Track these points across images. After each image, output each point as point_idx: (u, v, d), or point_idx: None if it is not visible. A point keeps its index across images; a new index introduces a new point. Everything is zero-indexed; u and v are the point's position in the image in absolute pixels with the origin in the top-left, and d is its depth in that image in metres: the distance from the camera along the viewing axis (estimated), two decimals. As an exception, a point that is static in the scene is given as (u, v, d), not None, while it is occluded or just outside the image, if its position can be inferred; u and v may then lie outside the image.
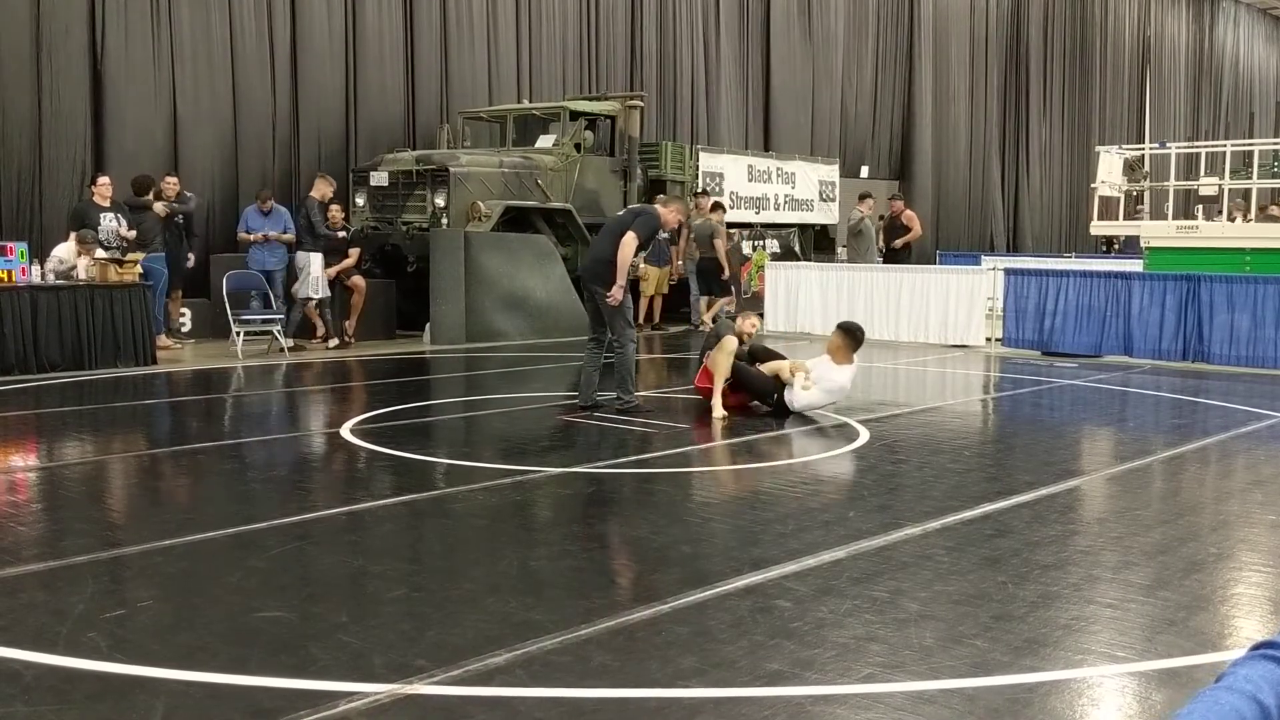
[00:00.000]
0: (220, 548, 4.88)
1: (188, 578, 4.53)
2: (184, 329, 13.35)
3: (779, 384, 8.61)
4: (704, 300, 15.45)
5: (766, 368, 8.70)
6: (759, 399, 8.76)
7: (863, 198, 17.46)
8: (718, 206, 16.15)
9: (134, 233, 12.29)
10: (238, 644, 3.72)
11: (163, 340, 12.32)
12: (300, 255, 12.99)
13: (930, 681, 3.42)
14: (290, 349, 12.48)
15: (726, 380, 8.50)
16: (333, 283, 13.49)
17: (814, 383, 8.48)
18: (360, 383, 10.73)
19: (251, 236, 13.45)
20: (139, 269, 11.33)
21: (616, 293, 8.48)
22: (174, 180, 13.04)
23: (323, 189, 13.33)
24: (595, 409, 8.61)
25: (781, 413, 8.57)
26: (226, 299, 12.31)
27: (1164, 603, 4.23)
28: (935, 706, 3.26)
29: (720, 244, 15.56)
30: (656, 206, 9.12)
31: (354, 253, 13.51)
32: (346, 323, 13.50)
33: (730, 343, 8.55)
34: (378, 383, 10.70)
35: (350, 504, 5.62)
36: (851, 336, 8.69)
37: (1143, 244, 15.31)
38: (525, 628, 3.81)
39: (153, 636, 3.80)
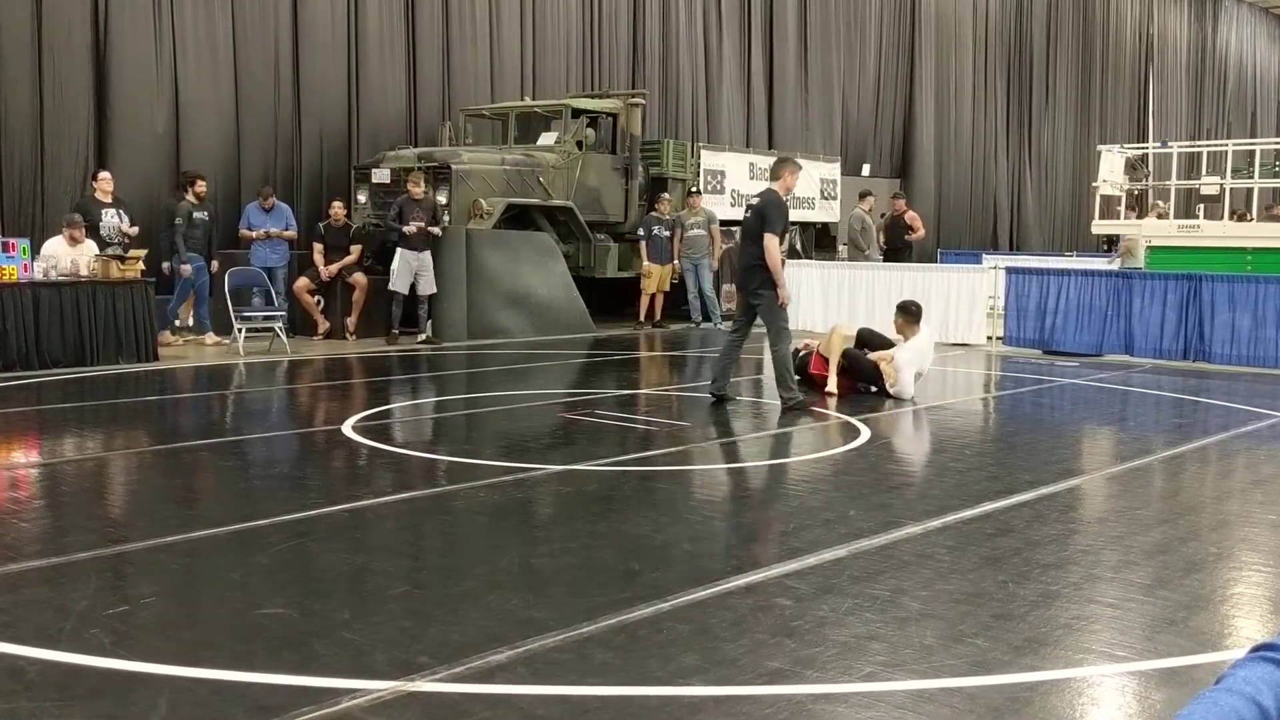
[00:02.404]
0: (222, 544, 4.89)
1: (190, 574, 4.54)
2: (180, 325, 13.33)
3: (879, 371, 9.55)
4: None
5: (874, 356, 9.62)
6: (866, 382, 9.64)
7: (863, 196, 17.47)
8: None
9: (136, 229, 12.30)
10: (240, 641, 3.73)
11: (211, 337, 12.41)
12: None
13: (931, 680, 3.43)
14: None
15: (841, 363, 9.51)
16: (334, 279, 13.51)
17: (896, 369, 9.39)
18: (361, 379, 10.74)
19: (253, 233, 13.46)
20: (141, 266, 11.34)
21: (782, 294, 8.74)
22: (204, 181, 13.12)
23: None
24: (725, 401, 8.97)
25: (886, 394, 9.43)
26: (228, 296, 12.31)
27: (1164, 602, 4.24)
28: (936, 705, 3.27)
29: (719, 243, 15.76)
30: (773, 186, 8.97)
31: (356, 249, 13.52)
32: (348, 319, 13.51)
33: (844, 328, 9.87)
34: (380, 379, 10.71)
35: (352, 501, 5.63)
36: (905, 311, 9.78)
37: (1141, 243, 15.31)
38: (527, 625, 3.82)
39: (155, 633, 3.81)
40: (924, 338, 9.74)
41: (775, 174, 9.13)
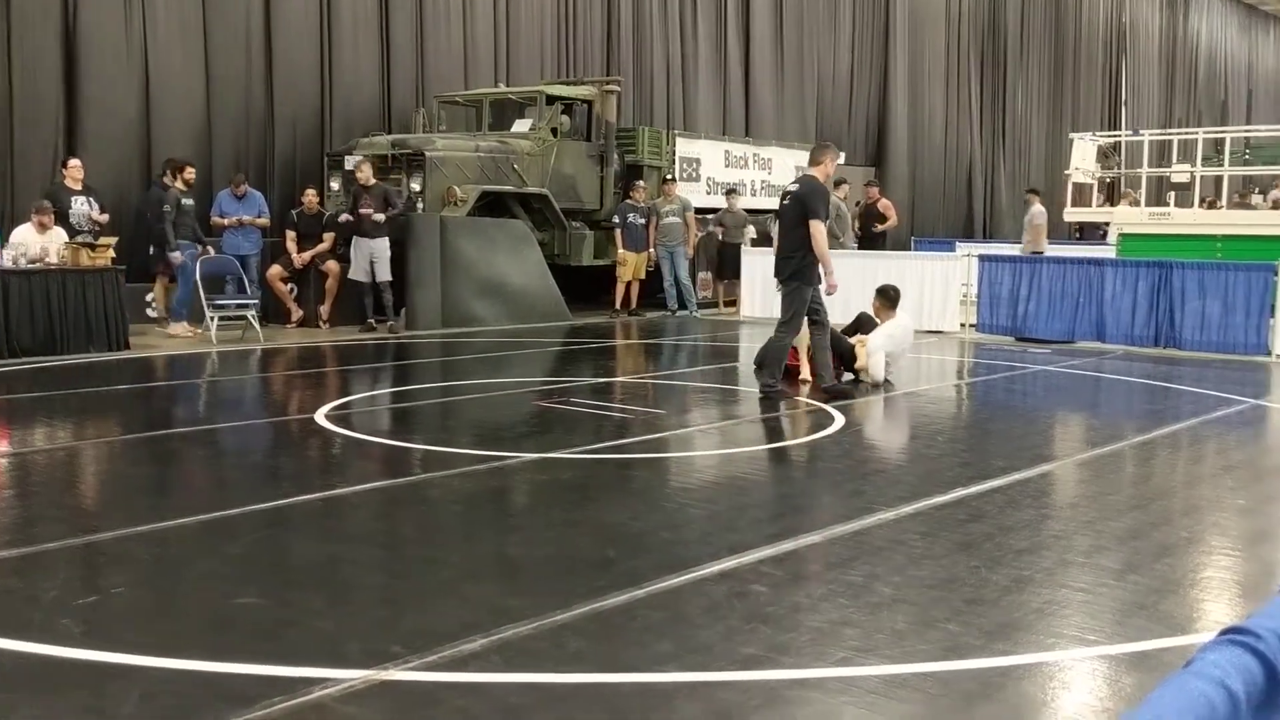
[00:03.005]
0: (195, 534, 4.86)
1: (162, 564, 4.51)
2: (155, 314, 13.23)
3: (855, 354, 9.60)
4: (721, 285, 16.55)
5: (853, 339, 9.67)
6: (843, 363, 9.51)
7: (838, 184, 17.49)
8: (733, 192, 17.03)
9: (106, 216, 12.18)
10: (213, 631, 3.71)
11: (184, 327, 12.30)
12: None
13: (904, 665, 3.45)
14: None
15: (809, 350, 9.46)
16: (307, 267, 13.42)
17: (868, 352, 9.45)
18: (335, 368, 10.68)
19: (225, 221, 13.35)
20: (111, 254, 11.23)
21: (831, 281, 8.73)
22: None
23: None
24: (836, 388, 8.84)
25: (859, 378, 9.51)
26: (200, 284, 12.22)
27: (1135, 587, 4.28)
28: (908, 690, 3.29)
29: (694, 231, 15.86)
30: (813, 172, 8.83)
31: (329, 237, 13.43)
32: (321, 307, 13.43)
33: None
34: (353, 368, 10.66)
35: (326, 490, 5.60)
36: (883, 295, 9.84)
37: (1115, 230, 15.42)
38: (501, 613, 3.81)
39: (127, 623, 3.78)
40: (900, 323, 9.77)
41: (815, 159, 8.94)
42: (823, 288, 8.71)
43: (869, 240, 16.85)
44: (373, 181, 13.09)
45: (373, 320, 13.09)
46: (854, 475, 6.34)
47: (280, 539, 4.87)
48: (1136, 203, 16.77)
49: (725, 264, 16.56)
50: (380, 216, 12.93)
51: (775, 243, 8.84)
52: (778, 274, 8.91)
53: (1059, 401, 9.50)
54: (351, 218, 12.99)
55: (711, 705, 3.18)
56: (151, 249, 12.73)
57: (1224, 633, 1.23)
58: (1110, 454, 6.93)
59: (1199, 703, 1.08)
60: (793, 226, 8.67)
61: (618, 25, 19.74)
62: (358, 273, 13.07)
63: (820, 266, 8.63)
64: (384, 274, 13.07)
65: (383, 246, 13.02)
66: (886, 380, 9.37)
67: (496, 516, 5.37)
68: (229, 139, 14.99)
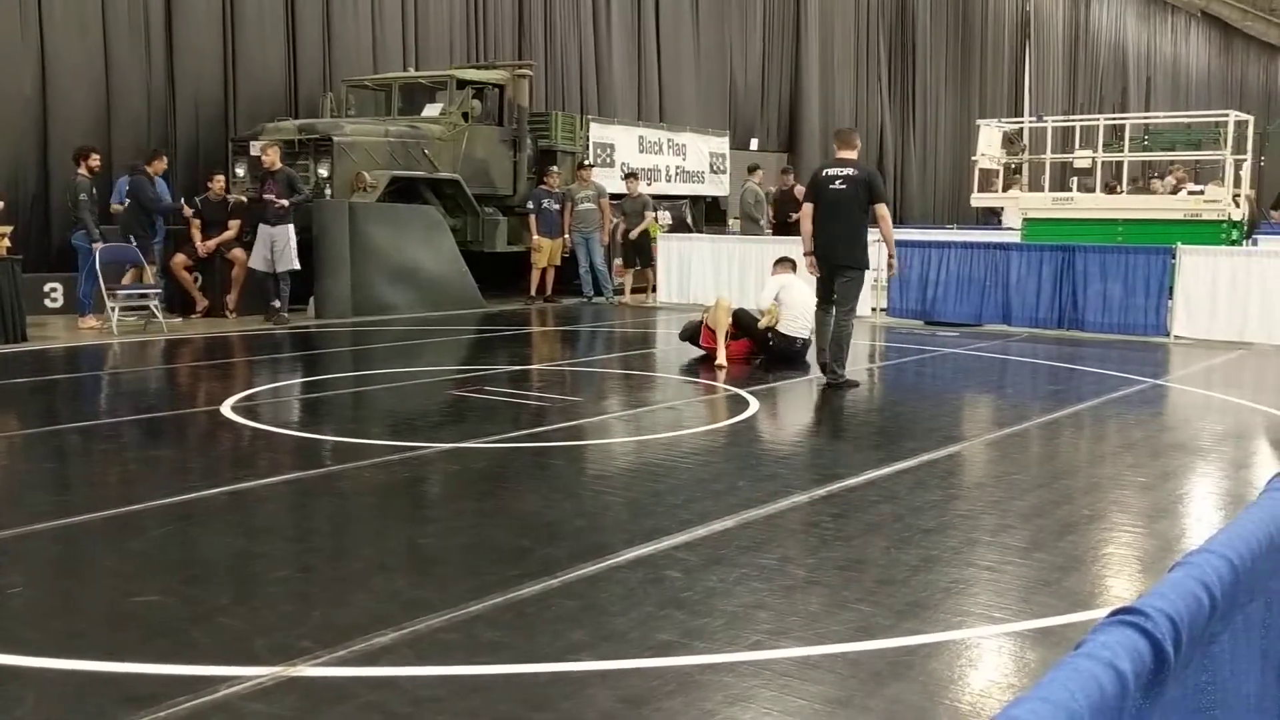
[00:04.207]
0: (96, 531, 4.72)
1: (61, 562, 4.38)
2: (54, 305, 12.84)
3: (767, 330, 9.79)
4: (631, 273, 16.20)
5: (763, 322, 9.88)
6: (756, 342, 9.84)
7: (753, 170, 17.61)
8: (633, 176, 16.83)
9: (1, 204, 11.77)
10: (113, 630, 3.61)
11: (89, 321, 11.93)
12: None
13: (816, 647, 3.49)
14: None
15: (728, 333, 9.68)
16: (212, 255, 13.11)
17: (776, 304, 9.70)
18: (242, 358, 10.46)
19: (124, 208, 12.97)
20: (7, 243, 10.85)
21: (896, 264, 9.18)
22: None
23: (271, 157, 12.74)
24: (845, 386, 8.58)
25: (778, 358, 9.72)
26: (100, 273, 11.85)
27: (1039, 564, 4.38)
28: (820, 671, 3.33)
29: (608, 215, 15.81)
30: (853, 156, 8.70)
31: (234, 224, 13.12)
32: (228, 296, 13.14)
33: (727, 300, 9.97)
34: (261, 358, 10.45)
35: (233, 483, 5.48)
36: (785, 261, 10.09)
37: (1020, 215, 15.74)
38: (413, 606, 3.77)
39: (24, 624, 3.66)
40: (787, 277, 9.99)
41: (852, 143, 8.80)
42: (889, 271, 9.47)
43: (785, 228, 16.97)
44: (278, 166, 12.79)
45: (277, 307, 12.74)
46: (768, 459, 6.39)
47: (185, 534, 4.75)
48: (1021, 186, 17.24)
49: (627, 250, 16.29)
50: (283, 202, 12.62)
51: (814, 227, 8.54)
52: (833, 259, 8.56)
53: (967, 384, 9.68)
54: (251, 203, 12.63)
55: (624, 692, 3.18)
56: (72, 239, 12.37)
57: (1114, 614, 1.25)
58: (1016, 434, 7.08)
59: (1088, 684, 1.09)
60: (853, 210, 8.45)
61: (529, 8, 19.60)
62: (258, 261, 12.69)
63: (885, 250, 8.97)
64: (286, 263, 12.68)
65: (286, 234, 12.68)
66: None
67: (409, 508, 5.31)
68: (129, 124, 14.57)
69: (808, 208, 8.74)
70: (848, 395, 8.36)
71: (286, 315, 12.66)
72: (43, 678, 3.24)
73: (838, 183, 8.52)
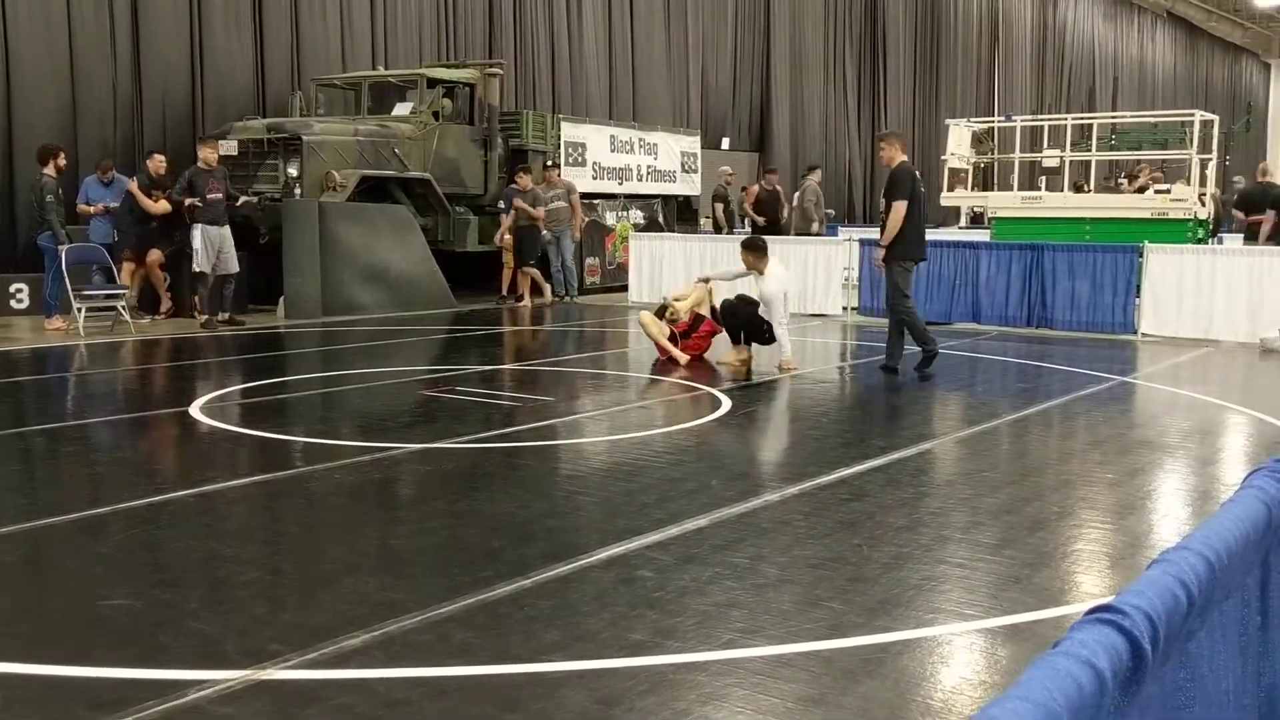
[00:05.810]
0: (63, 534, 4.67)
1: (28, 566, 4.32)
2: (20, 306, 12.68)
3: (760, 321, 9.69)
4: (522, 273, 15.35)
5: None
6: (746, 330, 9.79)
7: (811, 169, 17.87)
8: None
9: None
10: (81, 634, 3.57)
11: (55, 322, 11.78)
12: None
13: (788, 645, 3.49)
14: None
15: (675, 331, 9.75)
16: (180, 256, 12.96)
17: (767, 301, 9.52)
18: (211, 359, 10.37)
19: (92, 208, 12.84)
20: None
21: (877, 253, 9.39)
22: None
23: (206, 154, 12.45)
24: (894, 372, 9.31)
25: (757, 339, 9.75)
26: (66, 274, 11.72)
27: (1010, 561, 4.40)
28: (793, 669, 3.33)
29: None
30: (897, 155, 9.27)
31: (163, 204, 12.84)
32: (195, 297, 13.00)
33: (700, 290, 9.93)
34: (229, 359, 10.37)
35: (201, 485, 5.43)
36: (753, 248, 9.81)
37: (988, 215, 15.82)
38: (384, 607, 3.74)
39: (-13, 630, 3.61)
40: (776, 265, 9.88)
41: (889, 142, 9.47)
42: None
43: (773, 226, 17.01)
44: (217, 164, 12.47)
45: (220, 315, 12.33)
46: (740, 458, 6.39)
47: (154, 537, 4.70)
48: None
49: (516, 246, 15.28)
50: (252, 199, 12.43)
51: (908, 225, 9.13)
52: (924, 256, 9.67)
53: (937, 382, 9.71)
54: (197, 203, 12.08)
55: (598, 693, 3.17)
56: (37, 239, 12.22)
57: (1092, 611, 1.25)
58: (986, 431, 7.12)
59: (1066, 683, 1.09)
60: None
61: (500, 7, 19.54)
62: (204, 263, 12.11)
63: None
64: (233, 265, 12.34)
65: (228, 235, 12.35)
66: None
67: (380, 509, 5.28)
68: (95, 123, 14.42)
69: (902, 205, 9.09)
70: (820, 393, 8.38)
71: (242, 318, 12.52)
72: (8, 683, 3.19)
73: (921, 185, 9.34)
